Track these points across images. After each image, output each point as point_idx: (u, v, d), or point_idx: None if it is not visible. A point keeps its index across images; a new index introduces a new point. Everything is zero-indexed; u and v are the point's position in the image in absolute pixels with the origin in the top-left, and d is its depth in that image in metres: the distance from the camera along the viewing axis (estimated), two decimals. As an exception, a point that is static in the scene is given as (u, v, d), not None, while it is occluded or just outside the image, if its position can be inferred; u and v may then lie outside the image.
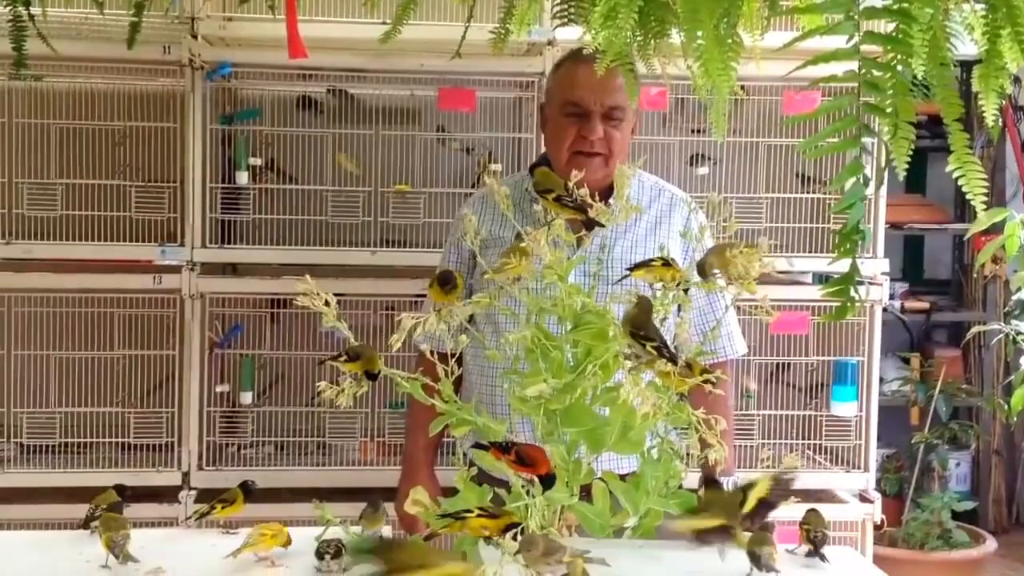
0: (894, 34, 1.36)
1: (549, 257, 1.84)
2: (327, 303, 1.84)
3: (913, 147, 1.40)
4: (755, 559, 1.79)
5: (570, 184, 1.96)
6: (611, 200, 2.05)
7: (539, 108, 2.65)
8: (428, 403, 1.89)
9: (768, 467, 2.00)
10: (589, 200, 1.97)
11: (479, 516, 1.65)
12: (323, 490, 3.17)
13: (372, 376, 1.87)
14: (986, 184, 1.43)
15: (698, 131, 3.56)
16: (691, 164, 3.53)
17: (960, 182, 1.41)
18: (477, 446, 1.79)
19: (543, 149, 2.69)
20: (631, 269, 1.95)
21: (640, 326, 1.76)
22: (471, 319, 1.97)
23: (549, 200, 1.94)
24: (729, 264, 1.80)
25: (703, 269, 1.87)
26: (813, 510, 1.99)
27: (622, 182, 1.98)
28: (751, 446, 3.41)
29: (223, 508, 2.06)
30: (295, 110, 3.59)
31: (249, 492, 2.11)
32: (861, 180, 1.43)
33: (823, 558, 1.92)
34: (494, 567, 1.56)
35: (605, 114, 2.48)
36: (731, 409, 2.68)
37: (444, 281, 1.93)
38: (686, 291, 1.93)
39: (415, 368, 2.20)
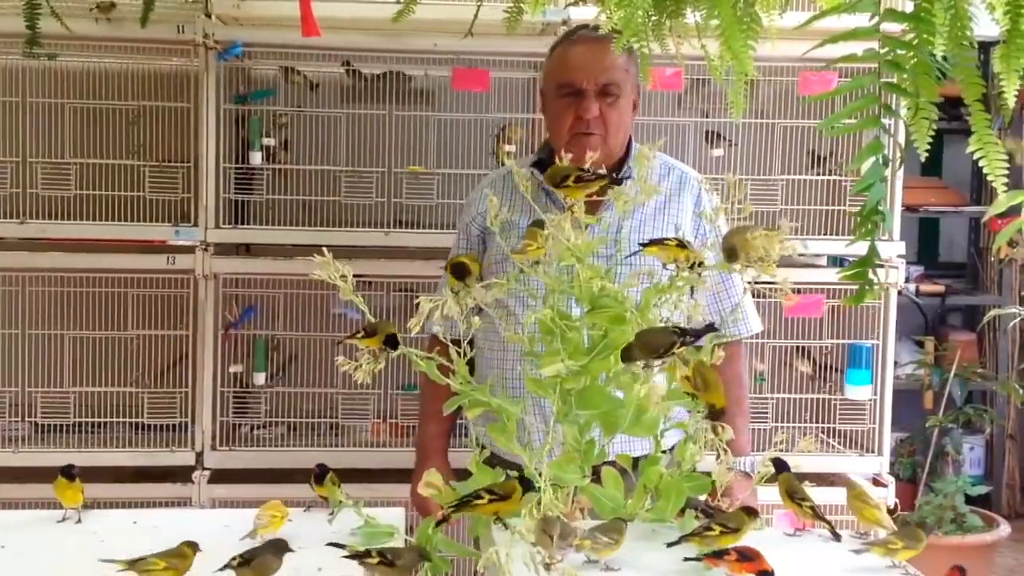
0: (916, 12, 1.34)
1: (573, 239, 1.82)
2: (343, 277, 1.84)
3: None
4: None
5: (565, 162, 1.94)
6: (625, 179, 2.04)
7: (540, 93, 2.64)
8: (443, 383, 1.89)
9: (782, 450, 1.95)
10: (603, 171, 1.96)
11: (491, 501, 1.64)
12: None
13: (392, 343, 1.86)
14: (1007, 166, 1.41)
15: (707, 113, 3.54)
16: (707, 142, 3.50)
17: (981, 163, 1.39)
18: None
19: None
20: (644, 245, 1.93)
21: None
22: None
23: (570, 186, 1.92)
24: (749, 246, 1.78)
25: (730, 253, 1.84)
26: (785, 475, 1.85)
27: (641, 163, 1.97)
28: (765, 429, 3.39)
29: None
30: (341, 78, 3.56)
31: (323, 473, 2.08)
32: (880, 160, 1.42)
33: (838, 537, 1.81)
34: (506, 548, 1.55)
35: (600, 92, 2.46)
36: (746, 388, 2.67)
37: (457, 274, 1.95)
38: (699, 271, 1.91)
39: (428, 351, 2.18)
